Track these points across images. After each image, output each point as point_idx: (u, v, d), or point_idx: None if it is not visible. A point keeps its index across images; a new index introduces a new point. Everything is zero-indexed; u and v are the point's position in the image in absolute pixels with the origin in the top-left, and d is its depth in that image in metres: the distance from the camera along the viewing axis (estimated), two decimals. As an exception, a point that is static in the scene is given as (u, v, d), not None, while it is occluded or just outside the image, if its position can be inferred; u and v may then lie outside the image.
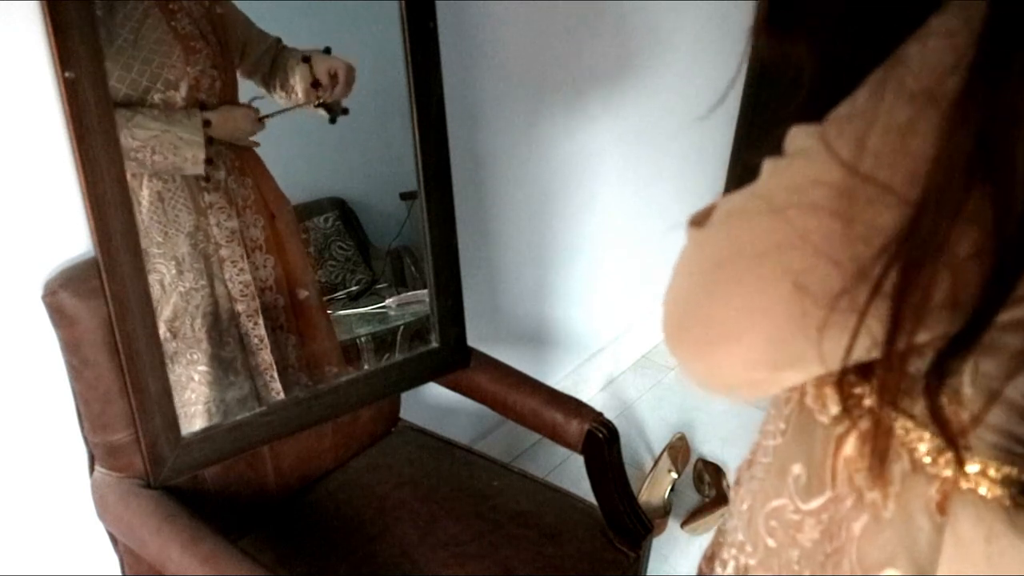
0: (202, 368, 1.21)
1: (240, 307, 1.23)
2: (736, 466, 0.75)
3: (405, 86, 1.26)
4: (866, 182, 0.41)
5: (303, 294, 1.32)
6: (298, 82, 1.26)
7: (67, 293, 1.03)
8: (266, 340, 1.26)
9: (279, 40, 1.26)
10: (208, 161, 1.15)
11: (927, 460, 0.49)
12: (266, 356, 1.27)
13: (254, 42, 1.24)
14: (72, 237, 1.07)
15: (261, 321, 1.26)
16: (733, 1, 2.12)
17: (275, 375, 1.28)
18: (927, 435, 0.49)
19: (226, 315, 1.23)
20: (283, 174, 1.28)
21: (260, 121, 1.22)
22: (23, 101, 0.98)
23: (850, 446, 0.54)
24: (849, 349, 0.44)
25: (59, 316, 1.05)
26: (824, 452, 0.55)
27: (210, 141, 1.15)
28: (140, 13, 1.07)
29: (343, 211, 1.46)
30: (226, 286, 1.22)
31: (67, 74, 0.95)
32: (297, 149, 1.28)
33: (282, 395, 1.28)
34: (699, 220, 0.52)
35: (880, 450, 0.50)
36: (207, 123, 1.14)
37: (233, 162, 1.22)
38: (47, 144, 1.01)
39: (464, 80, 1.51)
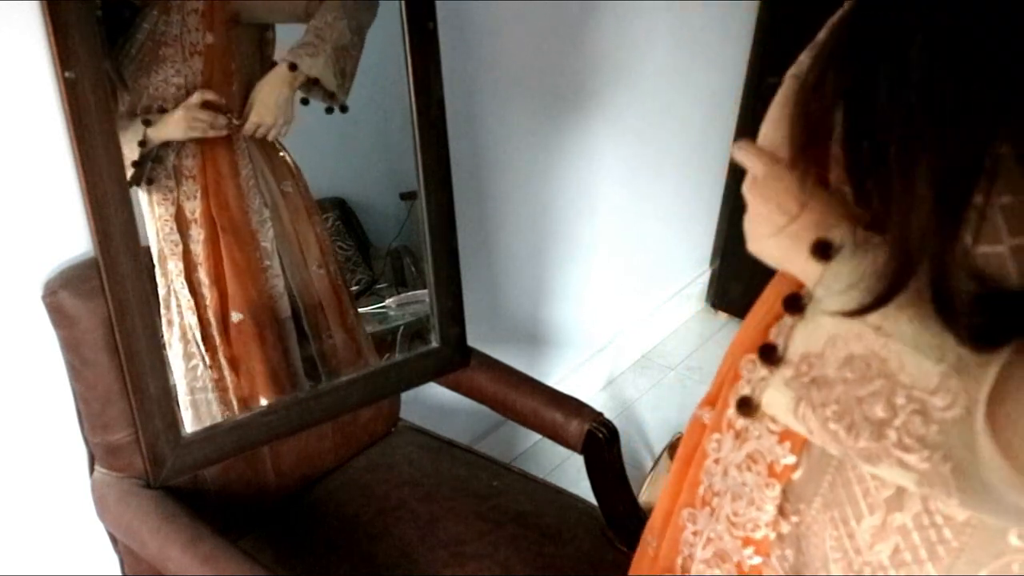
0: None
1: (190, 320, 1.19)
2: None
3: (405, 86, 1.26)
4: None
5: (237, 318, 1.22)
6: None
7: (67, 293, 1.03)
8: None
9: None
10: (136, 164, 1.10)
11: None
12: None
13: None
14: (72, 237, 1.07)
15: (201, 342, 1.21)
16: (733, 2, 2.12)
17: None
18: None
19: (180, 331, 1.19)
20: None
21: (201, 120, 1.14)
22: (23, 101, 0.98)
23: None
24: None
25: (59, 316, 1.05)
26: None
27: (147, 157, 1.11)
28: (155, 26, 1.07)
29: (343, 211, 1.46)
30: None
31: (67, 74, 0.95)
32: (297, 149, 1.28)
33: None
34: None
35: None
36: (142, 143, 1.09)
37: (190, 171, 1.17)
38: (47, 144, 1.01)
39: (464, 80, 1.51)
